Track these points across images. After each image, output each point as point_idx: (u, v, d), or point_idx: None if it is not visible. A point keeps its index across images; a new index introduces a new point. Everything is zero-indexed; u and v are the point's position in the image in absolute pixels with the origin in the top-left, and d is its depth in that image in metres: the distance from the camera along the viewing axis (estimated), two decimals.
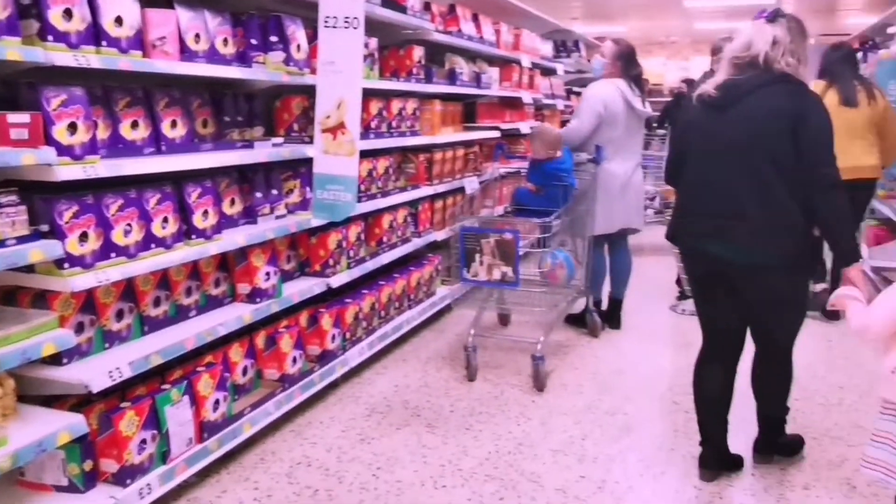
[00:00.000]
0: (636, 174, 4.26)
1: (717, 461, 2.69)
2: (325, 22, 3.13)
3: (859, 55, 7.62)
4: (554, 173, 3.96)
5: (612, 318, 4.38)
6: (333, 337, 3.33)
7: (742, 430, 2.78)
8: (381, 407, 3.25)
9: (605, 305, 4.42)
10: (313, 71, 3.20)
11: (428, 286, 4.35)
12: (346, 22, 3.13)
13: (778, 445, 2.77)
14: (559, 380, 3.58)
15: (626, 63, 4.17)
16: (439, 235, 4.54)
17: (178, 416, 2.43)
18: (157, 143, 2.56)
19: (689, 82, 8.18)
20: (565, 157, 4.03)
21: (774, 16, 2.44)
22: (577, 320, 4.34)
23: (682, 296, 4.79)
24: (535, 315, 3.85)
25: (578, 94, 7.25)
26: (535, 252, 3.84)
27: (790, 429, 2.84)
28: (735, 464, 2.73)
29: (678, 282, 4.92)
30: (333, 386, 3.40)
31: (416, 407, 3.25)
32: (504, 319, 4.43)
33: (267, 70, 2.97)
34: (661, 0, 10.46)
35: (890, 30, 6.71)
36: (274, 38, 3.03)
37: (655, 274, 5.64)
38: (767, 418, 2.75)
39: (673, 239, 2.70)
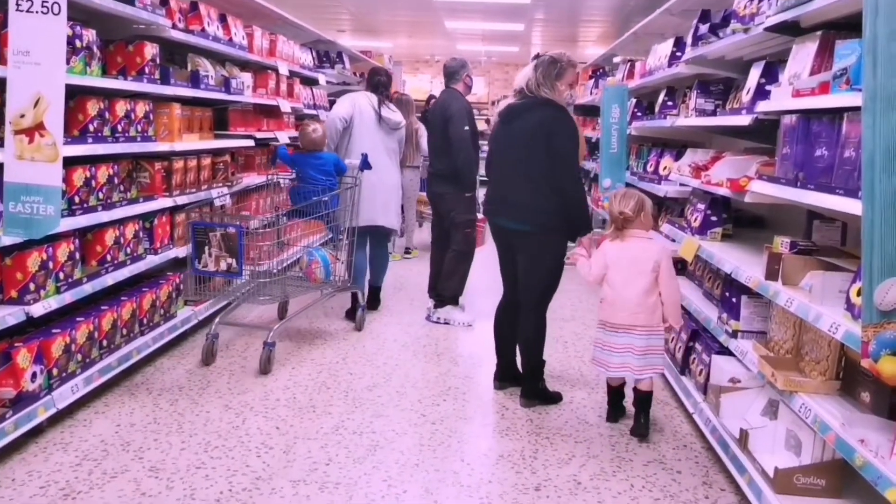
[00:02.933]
0: (388, 177, 4.75)
1: (507, 375, 3.62)
2: (18, 5, 2.73)
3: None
4: (307, 166, 4.44)
5: (372, 301, 5.00)
6: (34, 375, 2.82)
7: None
8: (96, 453, 2.81)
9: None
10: (3, 61, 2.72)
11: (166, 308, 3.93)
12: (43, 7, 2.74)
13: (538, 392, 3.48)
14: (308, 401, 3.41)
15: (375, 81, 4.85)
16: (181, 252, 4.12)
17: None
18: None
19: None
20: (326, 159, 4.46)
21: (534, 60, 3.41)
22: (347, 314, 4.81)
23: (437, 304, 4.88)
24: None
25: None
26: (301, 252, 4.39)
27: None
28: (518, 380, 3.57)
29: (430, 291, 5.01)
30: (37, 432, 2.89)
31: (139, 448, 2.86)
32: (281, 312, 4.68)
33: None
34: (426, 20, 10.82)
35: (615, 59, 7.54)
36: None
37: (416, 282, 5.71)
38: (528, 366, 3.50)
39: (486, 215, 3.65)
